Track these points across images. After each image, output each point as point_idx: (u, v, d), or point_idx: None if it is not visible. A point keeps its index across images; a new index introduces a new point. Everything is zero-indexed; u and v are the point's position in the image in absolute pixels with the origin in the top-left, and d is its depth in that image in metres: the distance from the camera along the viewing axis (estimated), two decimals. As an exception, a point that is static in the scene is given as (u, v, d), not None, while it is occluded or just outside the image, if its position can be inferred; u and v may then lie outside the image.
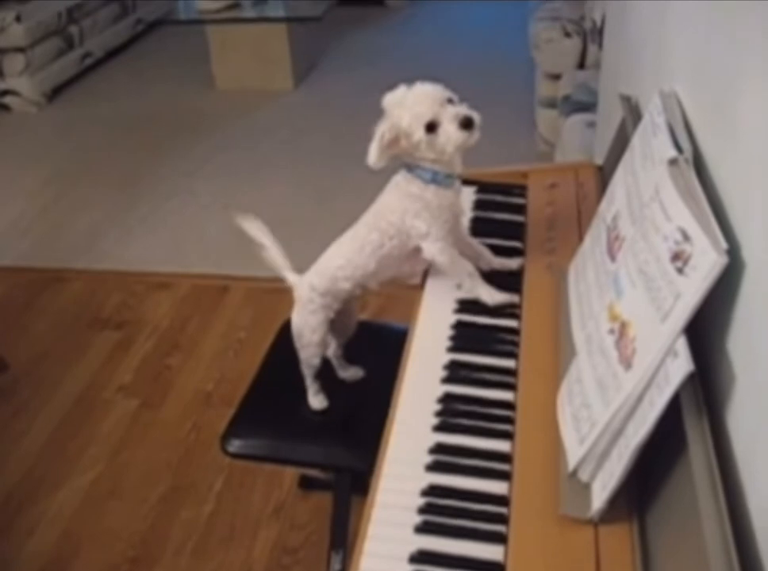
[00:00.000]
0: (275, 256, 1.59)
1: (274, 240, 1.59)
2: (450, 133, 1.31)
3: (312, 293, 1.52)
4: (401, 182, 1.41)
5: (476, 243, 1.51)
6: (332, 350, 1.69)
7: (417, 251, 1.44)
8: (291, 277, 1.57)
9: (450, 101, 1.33)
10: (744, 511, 0.87)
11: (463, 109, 1.32)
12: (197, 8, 4.92)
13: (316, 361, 1.61)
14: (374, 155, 1.32)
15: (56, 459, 2.50)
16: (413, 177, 1.39)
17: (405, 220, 1.40)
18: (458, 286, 1.44)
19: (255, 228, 1.59)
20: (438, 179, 1.38)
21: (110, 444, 2.54)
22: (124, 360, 2.88)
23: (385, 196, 1.45)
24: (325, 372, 1.68)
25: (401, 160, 1.39)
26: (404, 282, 1.53)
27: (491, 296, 1.40)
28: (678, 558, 0.90)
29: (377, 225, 1.43)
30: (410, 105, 1.32)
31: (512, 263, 1.49)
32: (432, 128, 1.31)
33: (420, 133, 1.31)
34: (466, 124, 1.30)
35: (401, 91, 1.35)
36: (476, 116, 1.32)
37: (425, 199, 1.38)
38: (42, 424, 2.62)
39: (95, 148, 4.46)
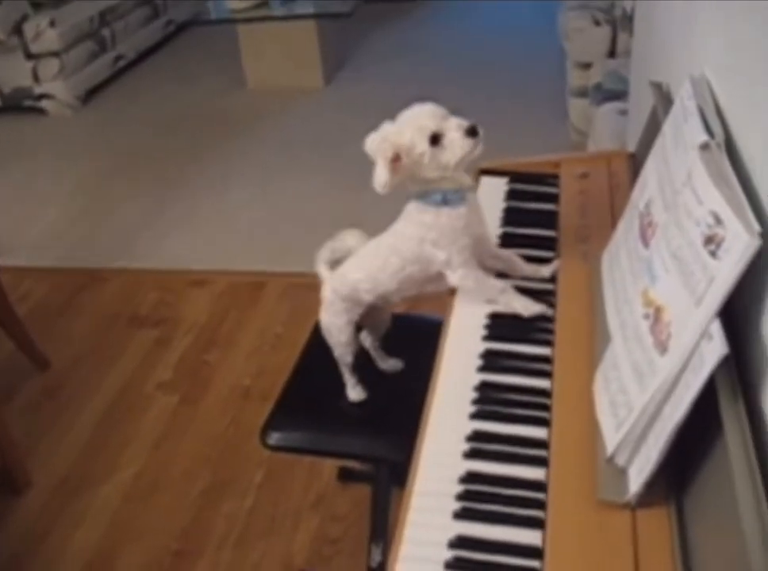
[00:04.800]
0: (322, 250, 1.59)
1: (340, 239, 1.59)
2: (456, 141, 1.27)
3: (334, 297, 1.54)
4: (413, 211, 1.38)
5: (505, 254, 1.46)
6: (370, 343, 1.71)
7: (440, 274, 1.41)
8: (323, 271, 1.58)
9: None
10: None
11: (466, 121, 1.29)
12: (227, 7, 4.96)
13: (349, 358, 1.64)
14: (383, 176, 1.27)
15: (99, 455, 2.54)
16: (425, 205, 1.35)
17: (425, 248, 1.38)
18: (492, 302, 1.40)
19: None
20: (448, 199, 1.34)
21: (151, 439, 2.58)
22: (163, 357, 2.92)
23: (400, 225, 1.42)
24: (363, 363, 1.69)
25: (409, 190, 1.37)
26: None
27: (526, 308, 1.37)
28: (716, 541, 0.90)
29: (397, 248, 1.41)
30: (411, 119, 1.29)
31: (545, 271, 1.44)
32: (435, 140, 1.27)
33: (423, 146, 1.27)
34: (472, 131, 1.27)
35: (384, 127, 1.31)
36: (480, 128, 1.28)
37: (440, 225, 1.35)
38: (84, 421, 2.67)
39: (130, 149, 4.52)
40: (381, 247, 1.46)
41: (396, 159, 1.28)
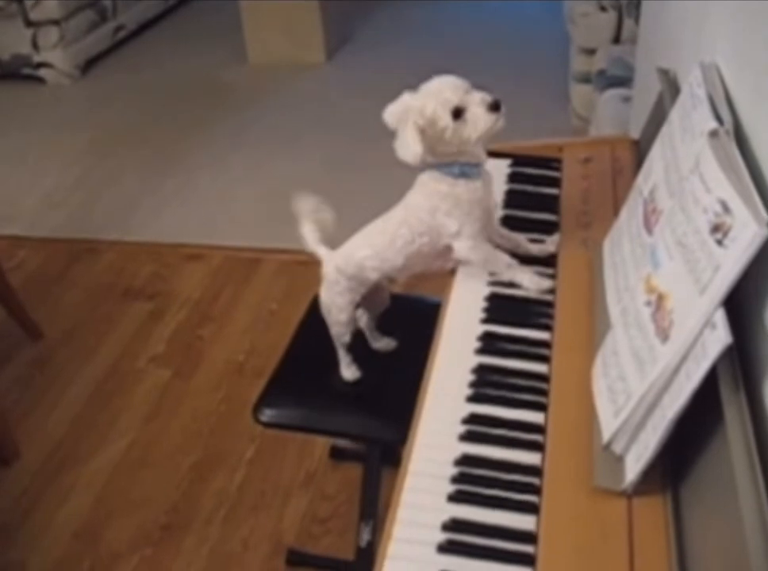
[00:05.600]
0: (307, 230, 1.59)
1: (312, 211, 1.59)
2: (478, 116, 1.27)
3: (339, 276, 1.52)
4: (428, 181, 1.38)
5: (511, 234, 1.47)
6: (365, 322, 1.69)
7: (448, 249, 1.41)
8: (321, 251, 1.56)
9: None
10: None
11: (489, 95, 1.29)
12: (229, -19, 4.91)
13: (346, 338, 1.62)
14: (416, 146, 1.26)
15: (90, 428, 2.53)
16: (441, 175, 1.35)
17: (437, 217, 1.37)
18: (498, 276, 1.40)
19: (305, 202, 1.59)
20: (466, 171, 1.35)
21: (142, 413, 2.57)
22: (157, 330, 2.91)
23: (412, 195, 1.41)
24: (358, 343, 1.68)
25: (426, 162, 1.35)
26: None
27: (534, 282, 1.36)
28: (713, 532, 0.89)
29: (407, 221, 1.40)
30: (435, 92, 1.29)
31: (550, 246, 1.44)
32: (458, 114, 1.27)
33: (446, 119, 1.27)
34: (495, 106, 1.28)
35: (405, 97, 1.31)
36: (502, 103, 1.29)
37: (455, 195, 1.35)
38: (75, 393, 2.66)
39: (128, 121, 4.48)
40: (390, 221, 1.44)
41: (421, 132, 1.28)
